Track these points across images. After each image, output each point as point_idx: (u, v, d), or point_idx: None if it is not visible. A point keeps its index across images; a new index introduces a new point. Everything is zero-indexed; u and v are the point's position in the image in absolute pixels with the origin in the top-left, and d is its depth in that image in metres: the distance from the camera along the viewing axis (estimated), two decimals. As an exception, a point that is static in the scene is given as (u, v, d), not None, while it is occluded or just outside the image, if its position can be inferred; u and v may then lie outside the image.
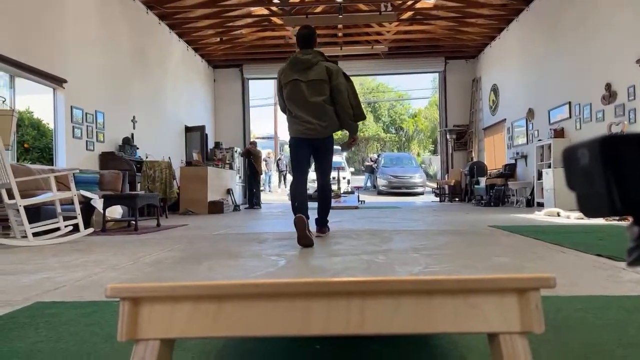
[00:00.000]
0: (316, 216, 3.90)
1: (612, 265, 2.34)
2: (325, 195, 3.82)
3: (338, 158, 16.49)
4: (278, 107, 4.46)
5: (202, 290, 0.75)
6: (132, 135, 8.69)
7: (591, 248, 2.90)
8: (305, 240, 3.28)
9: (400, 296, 0.74)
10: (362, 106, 3.89)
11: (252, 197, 10.89)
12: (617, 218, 4.95)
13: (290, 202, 3.92)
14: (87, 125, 7.27)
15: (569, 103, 8.27)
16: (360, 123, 3.99)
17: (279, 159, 21.29)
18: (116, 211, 5.74)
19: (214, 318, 0.75)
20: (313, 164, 3.90)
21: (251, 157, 10.92)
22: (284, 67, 3.73)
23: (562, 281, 1.94)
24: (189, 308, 0.75)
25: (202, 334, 0.75)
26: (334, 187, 10.97)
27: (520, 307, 0.74)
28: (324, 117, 3.62)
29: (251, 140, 12.93)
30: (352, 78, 3.82)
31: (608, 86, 7.07)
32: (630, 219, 0.63)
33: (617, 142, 0.57)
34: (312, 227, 3.65)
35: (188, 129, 11.78)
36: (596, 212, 0.60)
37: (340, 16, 9.95)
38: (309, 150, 3.73)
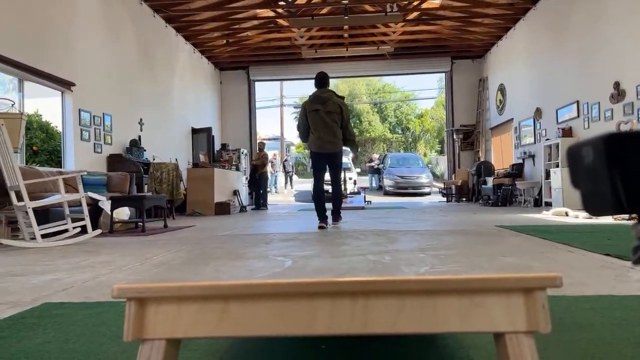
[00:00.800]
0: (331, 208, 5.27)
1: (621, 264, 2.31)
2: (337, 193, 5.20)
3: (344, 159, 16.34)
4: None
5: (208, 290, 0.75)
6: (140, 137, 8.74)
7: (599, 247, 2.88)
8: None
9: (405, 296, 0.73)
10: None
11: (259, 198, 10.91)
12: (627, 217, 4.90)
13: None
14: (94, 128, 7.32)
15: (577, 102, 8.20)
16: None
17: (285, 160, 21.28)
18: (124, 213, 5.77)
19: (220, 318, 0.75)
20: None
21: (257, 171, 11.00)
22: (308, 101, 5.14)
23: (570, 281, 1.93)
24: (194, 308, 0.75)
25: (208, 334, 0.75)
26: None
27: (526, 306, 0.74)
28: (335, 137, 5.03)
29: (259, 141, 12.93)
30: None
31: (617, 85, 7.01)
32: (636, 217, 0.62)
33: (621, 139, 0.56)
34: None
35: (195, 131, 11.83)
36: (601, 210, 0.59)
37: (346, 17, 9.94)
38: (325, 160, 5.12)
